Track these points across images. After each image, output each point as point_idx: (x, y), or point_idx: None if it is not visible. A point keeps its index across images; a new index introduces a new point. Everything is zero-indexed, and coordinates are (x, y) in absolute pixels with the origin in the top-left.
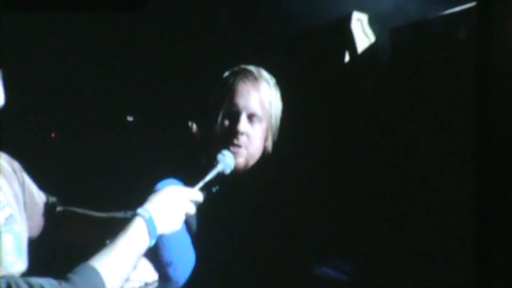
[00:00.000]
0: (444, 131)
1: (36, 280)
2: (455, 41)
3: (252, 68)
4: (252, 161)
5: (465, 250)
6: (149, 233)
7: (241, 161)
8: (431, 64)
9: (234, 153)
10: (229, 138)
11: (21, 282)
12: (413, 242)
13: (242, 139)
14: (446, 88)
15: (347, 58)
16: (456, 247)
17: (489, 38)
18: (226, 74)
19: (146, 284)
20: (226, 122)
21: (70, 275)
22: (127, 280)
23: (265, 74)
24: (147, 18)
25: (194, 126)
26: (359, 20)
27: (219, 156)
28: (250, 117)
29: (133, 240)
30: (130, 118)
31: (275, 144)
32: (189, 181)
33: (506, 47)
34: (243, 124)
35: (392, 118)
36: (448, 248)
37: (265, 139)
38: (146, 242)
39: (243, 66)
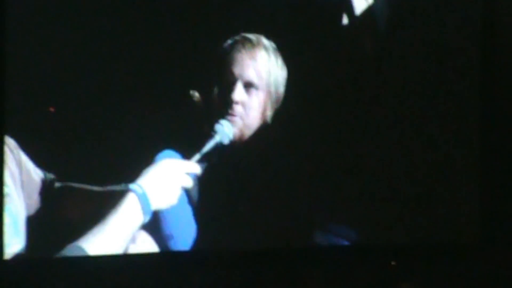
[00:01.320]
0: (447, 91)
1: None
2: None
3: (251, 36)
4: (248, 132)
5: (470, 205)
6: (143, 209)
7: (236, 131)
8: (430, 24)
9: (233, 122)
10: (224, 107)
11: None
12: (416, 201)
13: (237, 109)
14: (447, 48)
15: (345, 20)
16: (462, 202)
17: None
18: (226, 42)
19: None
20: (222, 92)
21: (57, 257)
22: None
23: (264, 41)
24: None
25: (196, 95)
26: None
27: (217, 126)
28: (247, 86)
29: (124, 217)
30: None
31: (277, 113)
32: (189, 152)
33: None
34: (238, 93)
35: (391, 79)
36: (454, 204)
37: (264, 109)
38: (139, 219)
39: (243, 34)
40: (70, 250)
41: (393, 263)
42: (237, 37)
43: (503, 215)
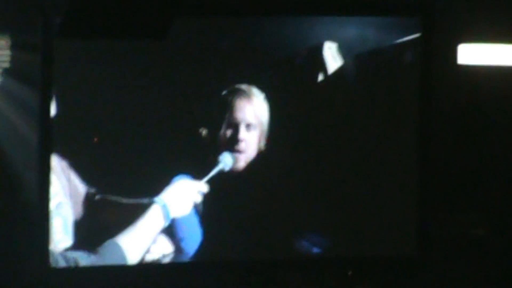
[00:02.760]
0: (391, 129)
1: (71, 253)
2: (403, 63)
3: (244, 87)
4: (248, 161)
5: (410, 224)
6: (164, 217)
7: (241, 164)
8: (384, 82)
9: (236, 157)
10: (231, 144)
11: (58, 255)
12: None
13: (241, 145)
14: (395, 97)
15: (320, 77)
16: (402, 222)
17: (430, 62)
18: (225, 92)
19: (164, 255)
20: (228, 132)
21: (98, 249)
22: (149, 252)
23: (255, 91)
24: (164, 45)
25: (204, 132)
26: (330, 48)
27: (220, 157)
28: (247, 126)
29: (150, 222)
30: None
31: (266, 144)
32: (199, 176)
33: (444, 69)
34: (242, 133)
35: (354, 122)
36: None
37: (259, 141)
38: (161, 224)
39: (237, 86)
40: (108, 245)
41: (350, 272)
42: (231, 88)
43: (438, 232)
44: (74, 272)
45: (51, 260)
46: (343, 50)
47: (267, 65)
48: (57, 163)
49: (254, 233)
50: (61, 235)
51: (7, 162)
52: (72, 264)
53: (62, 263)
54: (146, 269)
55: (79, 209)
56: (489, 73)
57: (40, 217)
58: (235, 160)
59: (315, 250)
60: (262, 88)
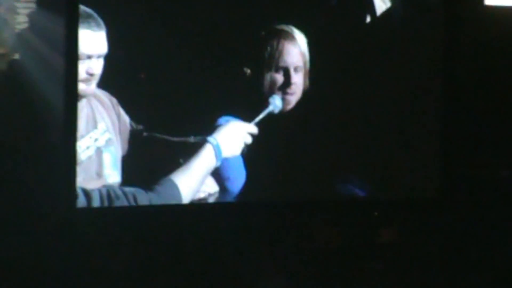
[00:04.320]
0: (418, 71)
1: (129, 189)
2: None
3: (285, 27)
4: (295, 102)
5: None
6: (216, 156)
7: (291, 106)
8: (412, 24)
9: (286, 99)
10: (283, 88)
11: (117, 190)
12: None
13: (293, 88)
14: (422, 39)
15: (368, 19)
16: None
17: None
18: (269, 34)
19: (210, 195)
20: (278, 75)
21: (155, 186)
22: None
23: (297, 31)
24: None
25: (249, 71)
26: None
27: (270, 99)
28: (295, 69)
29: (203, 161)
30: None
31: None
32: (244, 117)
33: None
34: (293, 76)
35: (381, 64)
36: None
37: (304, 80)
38: (213, 163)
39: (279, 26)
40: (165, 183)
41: (376, 213)
42: (274, 29)
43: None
44: (99, 213)
45: (111, 193)
46: None
47: (316, 7)
48: (107, 99)
49: (297, 177)
50: (110, 171)
51: (34, 102)
52: (131, 199)
53: (121, 197)
54: (170, 210)
55: (127, 146)
56: None
57: (66, 159)
58: (285, 102)
59: (359, 193)
60: (304, 27)
